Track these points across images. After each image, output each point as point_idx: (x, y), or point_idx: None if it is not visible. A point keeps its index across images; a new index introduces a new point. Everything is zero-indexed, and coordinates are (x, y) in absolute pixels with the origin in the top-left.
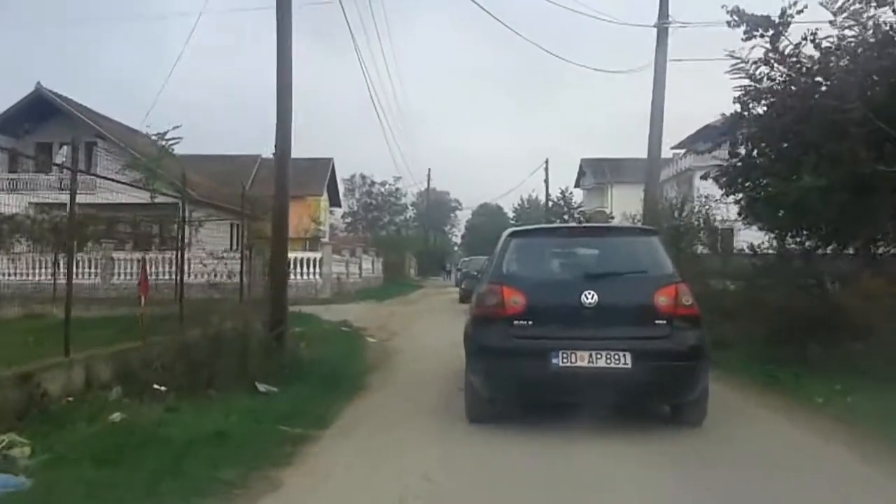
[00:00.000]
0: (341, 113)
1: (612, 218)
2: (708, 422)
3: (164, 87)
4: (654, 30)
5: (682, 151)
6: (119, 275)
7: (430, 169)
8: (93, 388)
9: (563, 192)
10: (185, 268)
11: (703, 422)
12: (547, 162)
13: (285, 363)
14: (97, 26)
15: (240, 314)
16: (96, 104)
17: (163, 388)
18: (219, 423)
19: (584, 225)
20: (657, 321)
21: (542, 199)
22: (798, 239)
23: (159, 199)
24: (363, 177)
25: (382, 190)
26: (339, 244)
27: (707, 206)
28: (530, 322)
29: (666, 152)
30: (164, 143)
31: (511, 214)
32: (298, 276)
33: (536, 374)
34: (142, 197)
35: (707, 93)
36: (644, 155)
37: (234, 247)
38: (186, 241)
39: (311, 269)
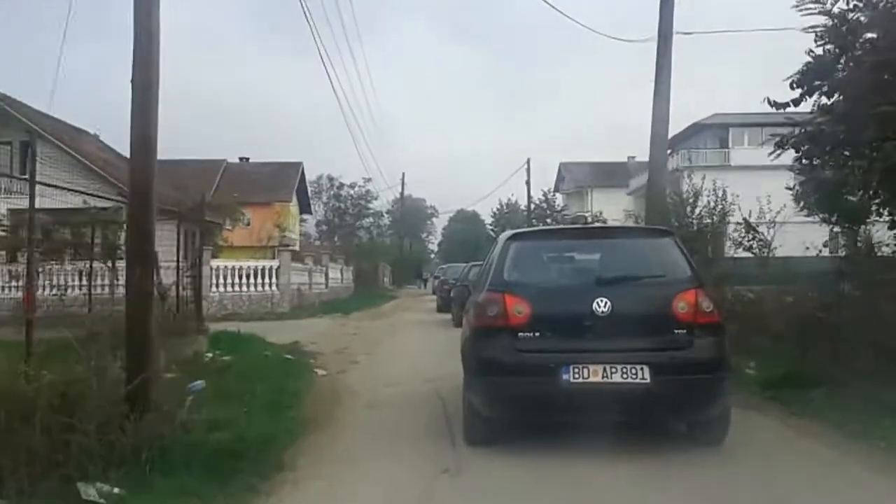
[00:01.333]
0: (312, 119)
1: (605, 221)
2: None
3: (60, 68)
4: None
5: (668, 152)
6: (46, 288)
7: (403, 173)
8: None
9: (545, 195)
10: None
11: (723, 440)
12: (529, 162)
13: (150, 440)
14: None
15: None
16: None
17: None
18: None
19: (591, 226)
20: (676, 330)
21: (522, 203)
22: None
23: (99, 202)
24: (330, 179)
25: (352, 193)
26: (301, 252)
27: (725, 201)
28: (537, 333)
29: (645, 156)
30: None
31: (489, 220)
32: (252, 288)
33: (545, 392)
34: (72, 202)
35: (691, 94)
36: (623, 158)
37: (189, 255)
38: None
39: (267, 280)
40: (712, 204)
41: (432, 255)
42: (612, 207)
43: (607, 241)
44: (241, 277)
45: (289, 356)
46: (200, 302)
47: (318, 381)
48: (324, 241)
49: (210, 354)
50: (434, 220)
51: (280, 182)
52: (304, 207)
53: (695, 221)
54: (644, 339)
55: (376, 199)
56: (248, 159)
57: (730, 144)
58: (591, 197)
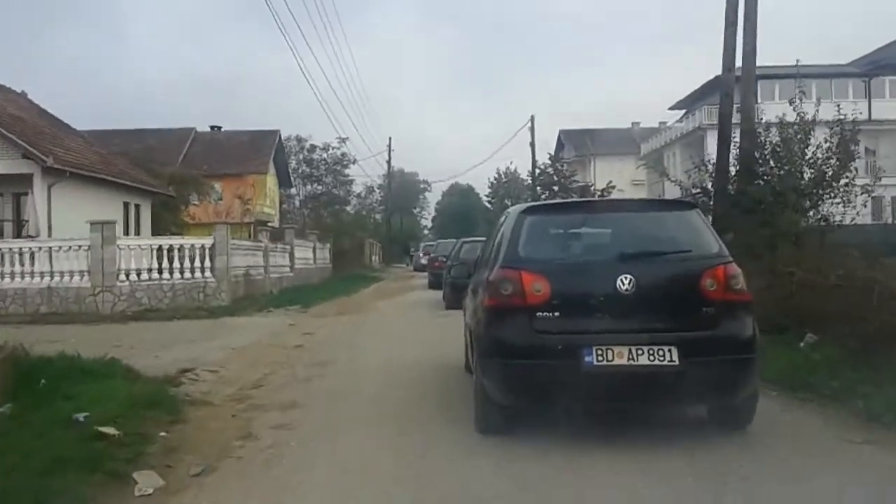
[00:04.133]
0: (291, 89)
1: (666, 173)
2: None
3: None
4: None
5: (682, 112)
6: None
7: (390, 137)
8: None
9: (551, 159)
10: None
11: (749, 424)
12: (532, 120)
13: None
14: None
15: None
16: None
17: None
18: None
19: (609, 199)
20: (705, 308)
21: (522, 171)
22: None
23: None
24: (299, 140)
25: (325, 157)
26: (259, 228)
27: (850, 141)
28: (557, 313)
29: (651, 120)
30: None
31: (486, 192)
32: (178, 275)
33: (566, 376)
34: None
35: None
36: (627, 125)
37: (131, 232)
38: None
39: (198, 264)
40: (835, 142)
41: (426, 231)
42: (616, 176)
43: (628, 214)
44: (161, 261)
45: (109, 430)
46: None
47: None
48: (312, 218)
49: None
50: (427, 194)
51: (255, 152)
52: (284, 180)
53: (807, 168)
54: (671, 318)
55: (353, 163)
56: (220, 128)
57: (758, 99)
58: (594, 166)
